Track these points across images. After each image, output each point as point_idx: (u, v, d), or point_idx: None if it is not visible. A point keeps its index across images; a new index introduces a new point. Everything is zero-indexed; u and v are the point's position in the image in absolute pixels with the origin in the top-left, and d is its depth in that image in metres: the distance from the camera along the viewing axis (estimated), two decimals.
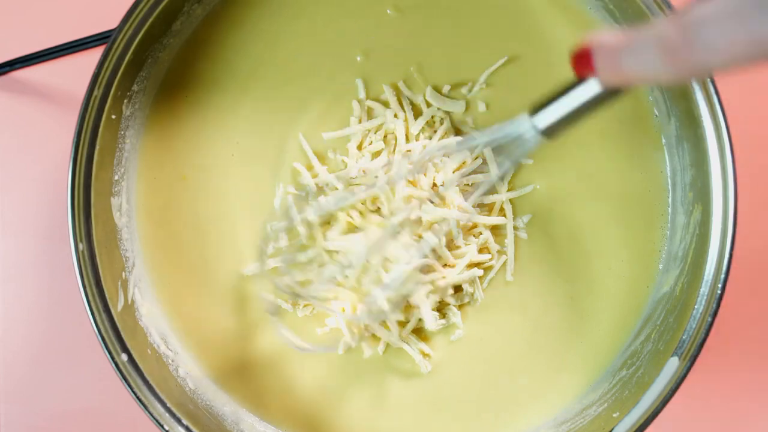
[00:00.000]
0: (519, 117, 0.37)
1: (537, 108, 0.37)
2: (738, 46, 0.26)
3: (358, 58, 0.53)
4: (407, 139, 0.52)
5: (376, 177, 0.49)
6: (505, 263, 0.52)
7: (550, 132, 0.37)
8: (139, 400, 0.45)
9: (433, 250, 0.49)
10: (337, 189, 0.50)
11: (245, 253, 0.52)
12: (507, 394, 0.51)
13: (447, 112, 0.52)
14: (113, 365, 0.45)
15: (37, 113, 0.56)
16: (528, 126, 0.37)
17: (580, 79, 0.34)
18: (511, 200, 0.52)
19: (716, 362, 0.54)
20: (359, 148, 0.52)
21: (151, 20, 0.47)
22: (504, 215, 0.52)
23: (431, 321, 0.48)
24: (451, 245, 0.50)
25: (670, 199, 0.51)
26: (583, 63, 0.32)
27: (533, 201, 0.52)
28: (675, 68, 0.28)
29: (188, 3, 0.49)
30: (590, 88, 0.34)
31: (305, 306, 0.52)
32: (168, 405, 0.46)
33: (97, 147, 0.46)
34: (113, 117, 0.47)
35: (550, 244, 0.52)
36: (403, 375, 0.51)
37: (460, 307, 0.52)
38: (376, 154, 0.52)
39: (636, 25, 0.30)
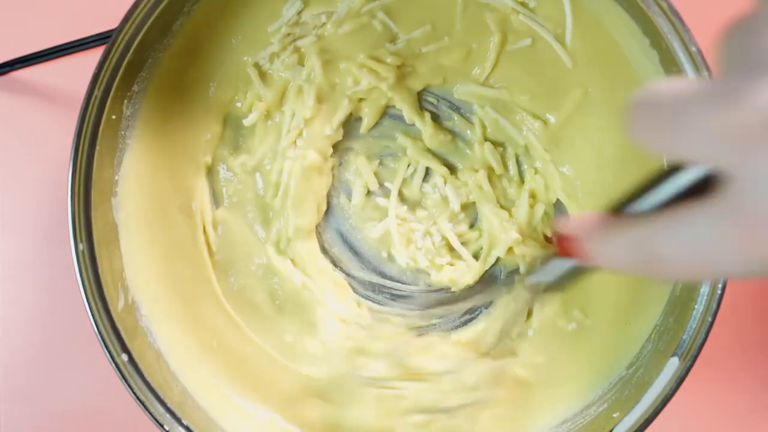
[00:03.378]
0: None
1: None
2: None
3: None
4: None
5: None
6: None
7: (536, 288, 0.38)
8: (139, 400, 0.45)
9: None
10: None
11: None
12: (509, 396, 0.51)
13: None
14: (113, 365, 0.45)
15: (37, 113, 0.56)
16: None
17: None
18: None
19: (716, 362, 0.54)
20: None
21: (151, 20, 0.47)
22: None
23: None
24: None
25: None
26: (566, 248, 0.32)
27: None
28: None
29: (188, 3, 0.49)
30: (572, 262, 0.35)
31: None
32: (168, 405, 0.46)
33: (97, 147, 0.46)
34: (113, 117, 0.47)
35: None
36: None
37: None
38: None
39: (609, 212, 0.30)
